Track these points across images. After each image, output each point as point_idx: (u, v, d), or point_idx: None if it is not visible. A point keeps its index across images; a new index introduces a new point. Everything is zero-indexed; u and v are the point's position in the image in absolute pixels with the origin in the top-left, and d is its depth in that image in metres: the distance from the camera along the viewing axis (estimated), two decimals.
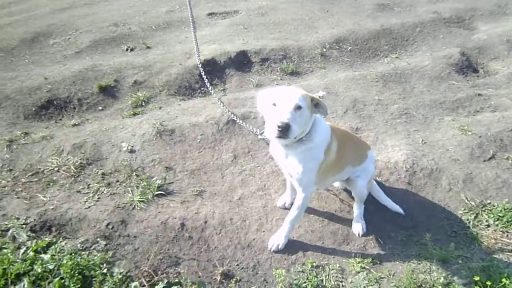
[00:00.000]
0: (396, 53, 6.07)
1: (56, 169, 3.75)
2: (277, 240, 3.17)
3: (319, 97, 2.99)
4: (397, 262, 3.11)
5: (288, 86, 2.71)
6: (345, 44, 6.15)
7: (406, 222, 3.49)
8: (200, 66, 5.13)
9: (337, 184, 3.66)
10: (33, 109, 4.66)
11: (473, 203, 3.60)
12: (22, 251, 2.99)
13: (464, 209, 3.57)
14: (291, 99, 2.52)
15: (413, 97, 5.01)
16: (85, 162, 3.82)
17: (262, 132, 3.46)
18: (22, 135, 4.16)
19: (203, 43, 5.95)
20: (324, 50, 5.97)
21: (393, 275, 3.00)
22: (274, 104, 2.56)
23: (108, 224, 3.22)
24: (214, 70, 5.38)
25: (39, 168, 3.76)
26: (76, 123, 4.47)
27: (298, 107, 2.53)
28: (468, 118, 4.61)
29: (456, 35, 6.59)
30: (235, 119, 4.18)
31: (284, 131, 2.46)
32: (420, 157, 3.97)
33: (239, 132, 4.23)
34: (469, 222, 3.46)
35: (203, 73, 4.84)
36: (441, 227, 3.46)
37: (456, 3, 7.71)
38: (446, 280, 2.88)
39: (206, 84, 4.80)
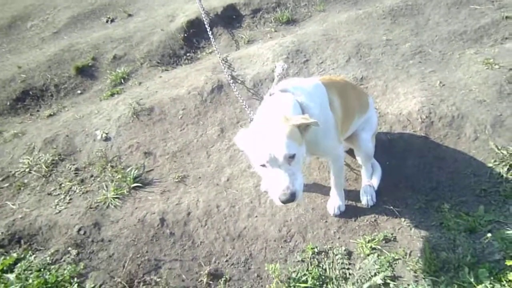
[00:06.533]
0: None
1: (27, 170, 3.40)
2: (336, 203, 2.81)
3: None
4: (415, 238, 2.61)
5: (266, 127, 2.04)
6: None
7: (424, 184, 2.96)
8: (203, 14, 4.54)
9: None
10: (8, 103, 4.30)
11: (505, 152, 2.99)
12: None
13: (495, 161, 2.97)
14: (280, 154, 1.94)
15: (427, 32, 4.30)
16: (57, 158, 3.45)
17: None
18: None
19: (187, 2, 5.37)
20: None
21: (410, 255, 2.52)
22: (262, 165, 2.01)
23: (79, 229, 2.86)
24: (200, 31, 4.82)
25: (10, 171, 3.42)
26: (52, 113, 4.09)
27: (291, 157, 1.97)
28: (494, 48, 3.88)
29: None
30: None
31: (290, 201, 1.96)
32: (438, 104, 3.36)
33: (226, 101, 3.72)
34: (501, 176, 2.88)
35: (207, 24, 4.23)
36: (467, 186, 2.90)
37: None
38: (474, 258, 2.36)
39: (211, 37, 4.14)
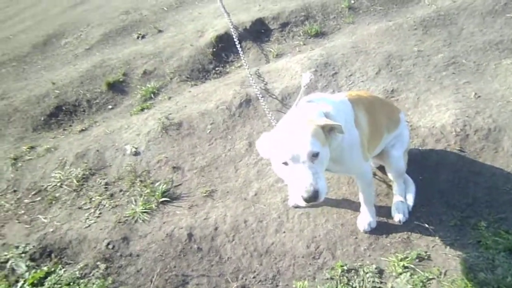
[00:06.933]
0: None
1: (59, 184, 3.46)
2: (366, 219, 2.72)
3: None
4: (450, 256, 2.50)
5: (289, 127, 2.06)
6: None
7: (460, 200, 2.83)
8: (232, 28, 4.55)
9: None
10: (42, 118, 4.41)
11: None
12: (19, 285, 2.73)
13: None
14: (303, 150, 1.91)
15: (461, 42, 4.17)
16: (88, 172, 3.50)
17: None
18: (28, 150, 3.93)
19: (216, 17, 5.41)
20: (352, 1, 5.19)
21: (445, 275, 2.40)
22: (285, 163, 1.98)
23: (108, 244, 2.87)
24: (229, 46, 4.84)
25: (42, 186, 3.49)
26: (84, 128, 4.17)
27: (315, 155, 1.94)
28: None
29: None
30: None
31: (313, 199, 1.92)
32: (473, 116, 3.24)
33: (254, 115, 3.70)
34: None
35: (235, 38, 4.22)
36: (507, 202, 2.76)
37: None
38: None
39: (239, 52, 4.09)
